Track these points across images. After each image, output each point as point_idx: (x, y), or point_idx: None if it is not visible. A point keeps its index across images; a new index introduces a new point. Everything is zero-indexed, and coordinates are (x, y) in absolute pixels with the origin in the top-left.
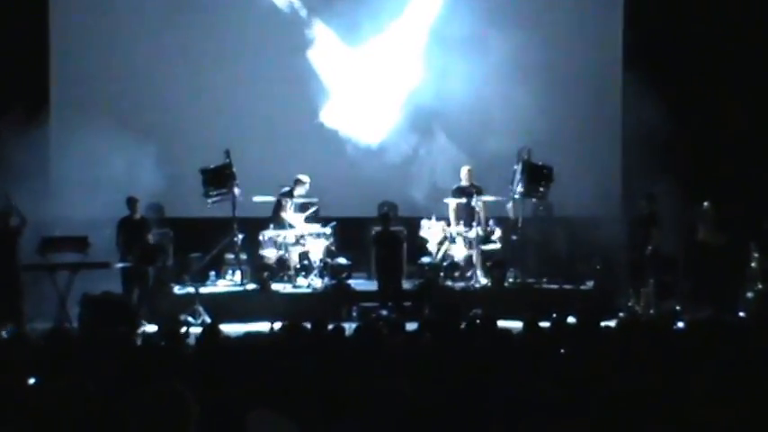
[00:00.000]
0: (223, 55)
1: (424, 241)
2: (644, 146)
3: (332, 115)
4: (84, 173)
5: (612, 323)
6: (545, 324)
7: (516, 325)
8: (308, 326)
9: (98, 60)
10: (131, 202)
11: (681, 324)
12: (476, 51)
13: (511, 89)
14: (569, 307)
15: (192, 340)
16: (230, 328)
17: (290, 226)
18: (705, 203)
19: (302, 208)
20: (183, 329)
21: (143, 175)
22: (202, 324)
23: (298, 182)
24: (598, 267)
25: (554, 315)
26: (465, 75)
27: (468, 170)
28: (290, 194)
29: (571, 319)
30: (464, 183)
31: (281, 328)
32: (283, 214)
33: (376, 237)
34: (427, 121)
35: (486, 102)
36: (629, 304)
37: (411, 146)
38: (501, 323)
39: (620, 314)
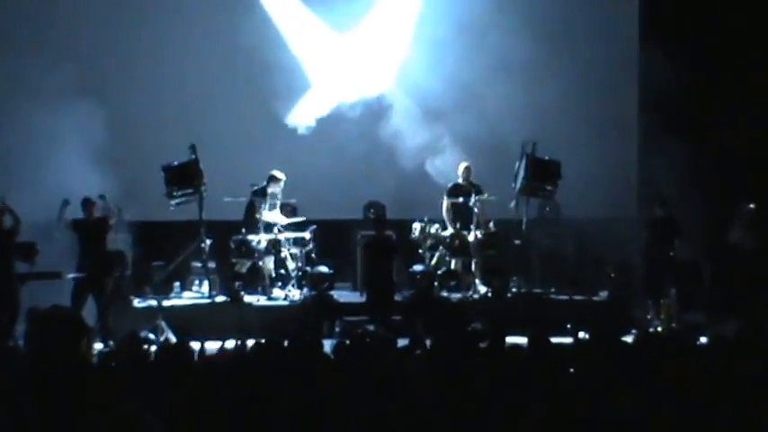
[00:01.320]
0: (186, 42)
1: (416, 246)
2: (662, 140)
3: (312, 107)
4: (26, 173)
5: (629, 339)
6: (553, 340)
7: (520, 341)
8: (285, 343)
9: (43, 51)
10: (87, 205)
11: (704, 339)
12: (475, 35)
13: (513, 78)
14: (580, 320)
15: (154, 359)
16: (197, 346)
17: (267, 229)
18: (750, 205)
19: (281, 208)
20: (145, 347)
21: (96, 173)
22: (166, 342)
23: (272, 179)
24: (612, 275)
25: (563, 330)
26: (462, 60)
27: (466, 167)
28: (263, 193)
29: (582, 335)
30: (461, 180)
31: (254, 346)
32: (257, 216)
33: (366, 242)
34: (419, 113)
35: (487, 92)
36: (648, 317)
37: (400, 139)
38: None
39: (637, 328)
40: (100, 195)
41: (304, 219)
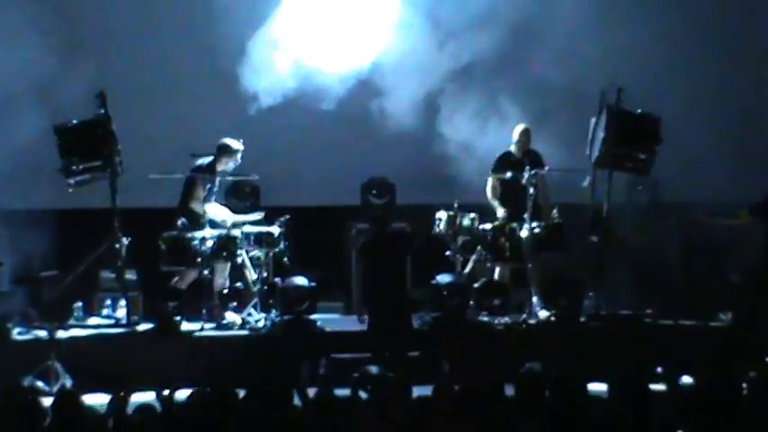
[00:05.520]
0: None
1: (441, 246)
2: None
3: (287, 47)
4: None
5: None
6: (653, 387)
7: (598, 389)
8: (241, 394)
9: None
10: None
11: None
12: None
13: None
14: (691, 357)
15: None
16: (108, 400)
17: (213, 223)
18: None
19: (236, 193)
20: (32, 401)
21: None
22: (61, 391)
23: (223, 150)
24: (737, 286)
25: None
26: None
27: (524, 130)
28: (210, 169)
29: (689, 380)
30: (515, 149)
31: (193, 399)
32: (196, 204)
33: (366, 241)
34: (445, 46)
35: (542, 9)
36: None
37: (416, 87)
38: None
39: None
40: None
41: (263, 213)
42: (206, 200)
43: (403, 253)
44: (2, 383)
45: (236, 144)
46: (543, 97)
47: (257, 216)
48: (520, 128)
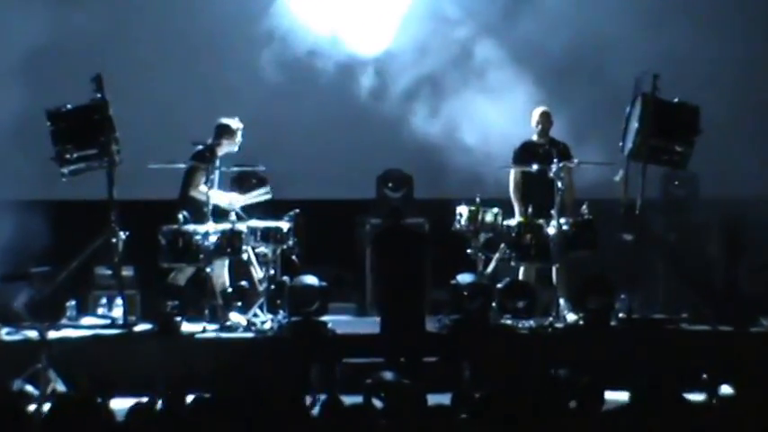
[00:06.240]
0: None
1: (463, 243)
2: None
3: (297, 28)
4: None
5: None
6: (689, 397)
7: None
8: (246, 401)
9: None
10: None
11: None
12: None
13: None
14: (728, 365)
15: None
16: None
17: (220, 214)
18: None
19: (241, 184)
20: (22, 408)
21: None
22: (53, 395)
23: (222, 131)
24: None
25: (703, 381)
26: None
27: (543, 112)
28: (210, 153)
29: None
30: (536, 137)
31: (195, 405)
32: (198, 192)
33: (378, 240)
34: (470, 35)
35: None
36: None
37: (431, 71)
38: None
39: None
40: None
41: (268, 188)
42: (208, 185)
43: (420, 249)
44: None
45: (234, 123)
46: (562, 82)
47: (263, 191)
48: (539, 111)
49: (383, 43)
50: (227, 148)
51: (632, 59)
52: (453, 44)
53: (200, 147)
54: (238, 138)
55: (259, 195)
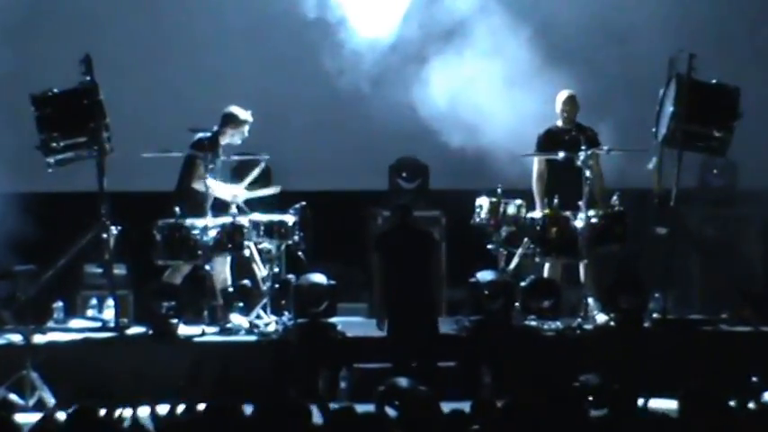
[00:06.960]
0: None
1: (483, 237)
2: None
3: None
4: None
5: None
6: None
7: (666, 406)
8: (250, 410)
9: None
10: None
11: None
12: None
13: None
14: None
15: None
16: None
17: (220, 208)
18: None
19: (242, 175)
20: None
21: None
22: (39, 406)
23: (228, 119)
24: None
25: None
26: None
27: (570, 96)
28: (212, 143)
29: None
30: (561, 123)
31: (194, 414)
32: (198, 183)
33: (379, 242)
34: (489, 19)
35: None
36: None
37: (446, 55)
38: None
39: None
40: None
41: (278, 188)
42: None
43: (431, 251)
44: None
45: (243, 114)
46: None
47: (273, 191)
48: (564, 95)
49: (394, 27)
50: (229, 138)
51: (663, 36)
52: (473, 25)
53: (200, 135)
54: (245, 130)
55: (267, 192)
